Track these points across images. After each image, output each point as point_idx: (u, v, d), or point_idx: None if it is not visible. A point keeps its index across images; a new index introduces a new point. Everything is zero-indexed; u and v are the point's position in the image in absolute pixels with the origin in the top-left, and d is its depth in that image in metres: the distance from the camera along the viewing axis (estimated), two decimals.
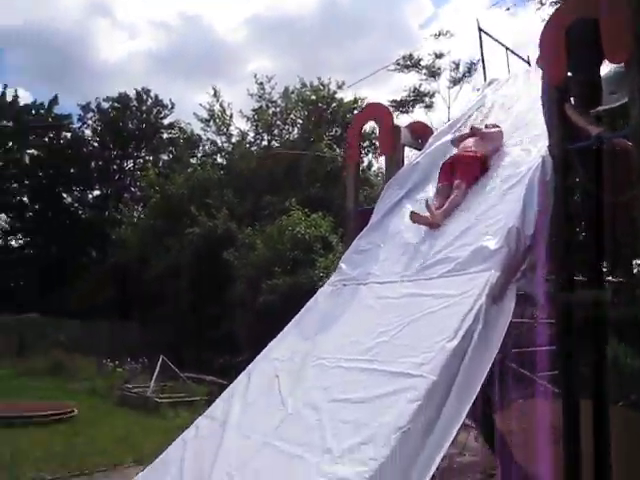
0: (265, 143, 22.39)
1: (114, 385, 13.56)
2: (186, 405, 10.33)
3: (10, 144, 28.78)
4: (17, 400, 11.49)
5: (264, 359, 4.29)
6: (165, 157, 30.06)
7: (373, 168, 22.27)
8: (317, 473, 2.94)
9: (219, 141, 23.82)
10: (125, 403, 12.06)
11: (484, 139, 5.04)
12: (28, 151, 29.45)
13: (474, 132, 5.20)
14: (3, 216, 29.42)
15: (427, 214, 4.57)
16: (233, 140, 23.10)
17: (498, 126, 5.15)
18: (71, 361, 16.17)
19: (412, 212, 4.67)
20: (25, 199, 29.84)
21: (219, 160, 23.96)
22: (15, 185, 29.28)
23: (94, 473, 7.11)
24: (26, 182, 29.22)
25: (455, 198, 4.68)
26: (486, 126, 5.21)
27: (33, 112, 29.32)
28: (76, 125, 30.41)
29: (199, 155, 25.42)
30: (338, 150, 19.72)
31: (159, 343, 15.68)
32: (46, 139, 29.83)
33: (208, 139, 24.31)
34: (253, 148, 22.36)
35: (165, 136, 30.86)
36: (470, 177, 4.78)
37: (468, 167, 4.83)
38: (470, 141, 5.12)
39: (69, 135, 30.42)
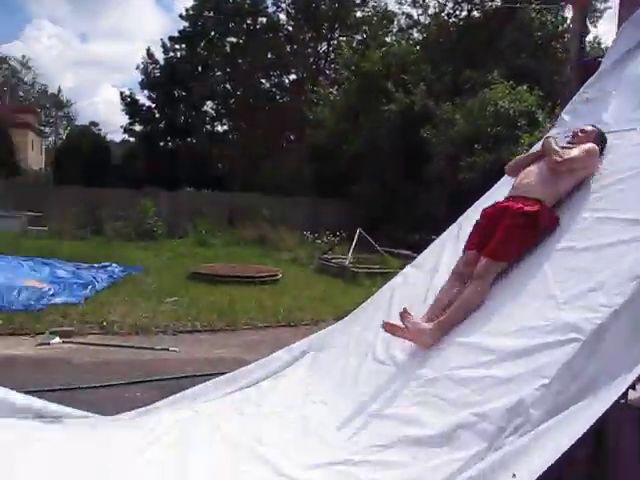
0: (465, 13, 20.86)
1: (314, 255, 14.34)
2: (382, 275, 10.56)
3: (212, 33, 30.03)
4: (230, 263, 12.68)
5: (474, 211, 4.07)
6: (359, 37, 29.51)
7: (588, 38, 19.82)
8: (538, 317, 2.75)
9: (415, 14, 22.76)
10: (324, 271, 12.71)
11: (561, 166, 3.19)
12: (228, 39, 30.56)
13: (545, 149, 3.30)
14: (210, 103, 31.28)
15: (402, 325, 3.05)
16: (430, 12, 21.91)
17: (595, 128, 3.45)
18: (274, 234, 17.31)
19: (385, 322, 3.13)
20: (228, 86, 31.33)
21: (415, 35, 23.00)
22: (219, 73, 30.77)
23: (298, 326, 7.68)
24: (228, 70, 30.54)
25: (466, 301, 3.01)
26: (574, 135, 3.44)
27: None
28: (270, 10, 30.84)
29: (394, 31, 24.58)
30: (549, 17, 17.74)
31: (355, 219, 16.09)
32: (244, 26, 30.66)
33: (403, 13, 23.37)
34: (452, 20, 21.02)
35: (358, 15, 30.18)
36: (510, 252, 3.08)
37: (511, 232, 3.06)
38: (533, 171, 3.28)
39: (265, 20, 30.96)
